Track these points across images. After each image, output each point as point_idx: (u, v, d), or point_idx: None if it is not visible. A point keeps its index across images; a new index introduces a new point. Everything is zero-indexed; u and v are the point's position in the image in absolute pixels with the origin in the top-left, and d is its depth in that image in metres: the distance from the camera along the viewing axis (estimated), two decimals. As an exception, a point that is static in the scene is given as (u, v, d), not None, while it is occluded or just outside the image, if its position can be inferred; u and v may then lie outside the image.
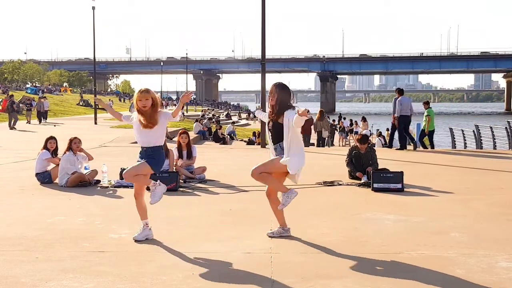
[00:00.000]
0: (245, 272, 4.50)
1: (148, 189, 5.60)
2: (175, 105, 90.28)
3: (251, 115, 63.53)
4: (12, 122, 27.36)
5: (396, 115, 16.16)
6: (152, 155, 5.46)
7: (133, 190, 8.57)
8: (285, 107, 5.38)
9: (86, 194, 8.27)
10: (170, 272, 4.50)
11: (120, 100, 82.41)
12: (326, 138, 23.30)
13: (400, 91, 16.51)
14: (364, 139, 10.09)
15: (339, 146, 28.86)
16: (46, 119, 33.82)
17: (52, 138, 9.74)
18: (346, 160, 10.06)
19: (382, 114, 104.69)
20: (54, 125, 29.00)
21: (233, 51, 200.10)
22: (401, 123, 16.29)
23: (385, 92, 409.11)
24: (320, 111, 23.07)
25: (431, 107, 17.12)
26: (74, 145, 9.24)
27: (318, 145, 22.19)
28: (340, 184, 9.29)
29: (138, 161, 5.50)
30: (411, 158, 13.69)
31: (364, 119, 35.48)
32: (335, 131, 32.84)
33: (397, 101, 16.13)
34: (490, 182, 9.71)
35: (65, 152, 9.22)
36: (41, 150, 9.58)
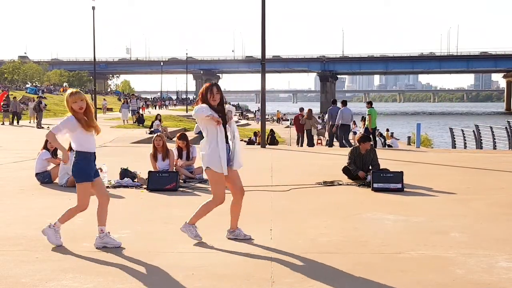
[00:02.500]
0: (245, 272, 4.50)
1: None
2: (175, 105, 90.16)
3: (256, 115, 63.44)
4: (38, 122, 28.64)
5: (337, 123, 18.50)
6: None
7: (133, 190, 8.63)
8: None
9: (86, 194, 8.25)
10: (170, 272, 4.50)
11: (119, 100, 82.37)
12: (316, 137, 23.56)
13: (344, 102, 19.12)
14: (365, 138, 10.05)
15: (339, 146, 28.81)
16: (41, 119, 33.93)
17: (52, 138, 9.73)
18: (347, 162, 9.89)
19: (381, 114, 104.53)
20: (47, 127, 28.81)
21: (233, 51, 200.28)
22: (341, 131, 18.60)
23: (385, 92, 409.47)
24: (309, 110, 23.22)
25: (373, 107, 19.00)
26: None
27: (308, 144, 22.16)
28: (340, 184, 9.29)
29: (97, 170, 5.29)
30: (411, 158, 13.69)
31: (364, 119, 35.38)
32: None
33: (339, 111, 18.55)
34: (490, 182, 9.71)
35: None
36: (41, 150, 9.58)
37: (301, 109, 24.11)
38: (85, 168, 5.15)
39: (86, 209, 5.30)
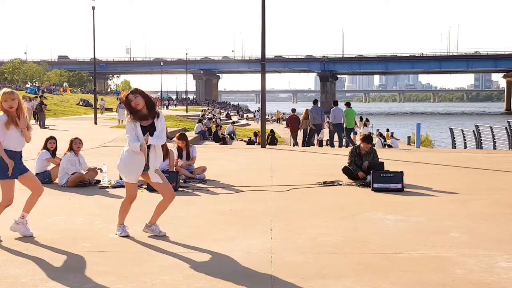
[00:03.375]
0: (245, 272, 4.51)
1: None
2: (175, 105, 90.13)
3: (256, 115, 63.48)
4: (41, 122, 28.95)
5: (331, 122, 19.54)
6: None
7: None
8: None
9: (86, 194, 8.26)
10: (170, 272, 4.50)
11: (118, 99, 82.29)
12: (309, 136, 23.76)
13: (335, 103, 20.20)
14: (368, 138, 10.04)
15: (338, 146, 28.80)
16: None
17: (52, 138, 9.75)
18: (348, 162, 9.90)
19: (378, 114, 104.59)
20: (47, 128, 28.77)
21: (233, 51, 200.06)
22: (335, 130, 19.52)
23: (385, 92, 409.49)
24: (306, 110, 23.23)
25: (351, 107, 20.43)
26: (74, 145, 9.24)
27: (303, 144, 22.11)
28: (340, 184, 9.29)
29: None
30: (411, 158, 13.70)
31: (365, 119, 35.46)
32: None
33: (331, 111, 19.57)
34: (490, 182, 9.71)
35: (66, 153, 9.24)
36: (41, 150, 9.58)
37: (293, 110, 24.26)
38: (6, 167, 5.35)
39: (12, 203, 5.54)
